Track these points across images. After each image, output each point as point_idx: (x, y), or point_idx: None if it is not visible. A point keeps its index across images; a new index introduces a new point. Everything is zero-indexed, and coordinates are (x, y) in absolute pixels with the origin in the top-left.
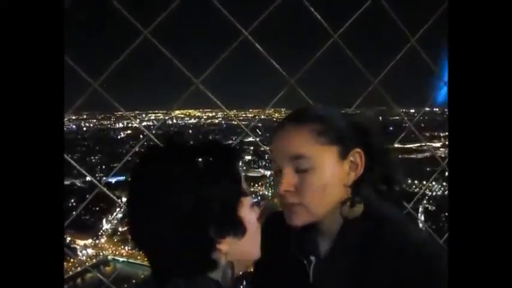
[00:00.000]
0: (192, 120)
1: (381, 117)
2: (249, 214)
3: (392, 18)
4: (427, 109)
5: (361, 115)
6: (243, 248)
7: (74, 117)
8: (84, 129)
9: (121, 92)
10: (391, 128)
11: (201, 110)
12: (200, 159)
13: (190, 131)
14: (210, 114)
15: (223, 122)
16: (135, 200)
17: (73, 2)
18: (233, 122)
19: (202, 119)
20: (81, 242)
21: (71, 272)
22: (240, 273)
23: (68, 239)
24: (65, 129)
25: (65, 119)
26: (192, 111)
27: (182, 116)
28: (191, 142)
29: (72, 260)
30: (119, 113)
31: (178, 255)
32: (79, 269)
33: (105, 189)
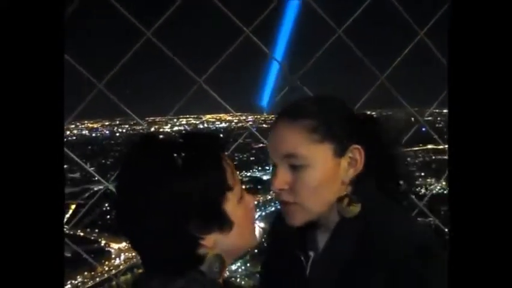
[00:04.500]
0: (223, 124)
1: (413, 118)
2: (236, 208)
3: (399, 11)
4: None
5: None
6: (231, 242)
7: (107, 123)
8: (117, 134)
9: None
10: (423, 129)
11: (231, 114)
12: (179, 153)
13: (221, 135)
14: (242, 118)
15: (253, 125)
16: (119, 196)
17: (76, 3)
18: (264, 125)
19: (233, 123)
20: (115, 246)
21: (106, 275)
22: (233, 260)
23: (103, 242)
24: (98, 135)
25: (99, 125)
26: (222, 116)
27: (213, 120)
28: (172, 136)
29: (106, 263)
30: (151, 118)
31: (161, 251)
32: (113, 271)
33: None
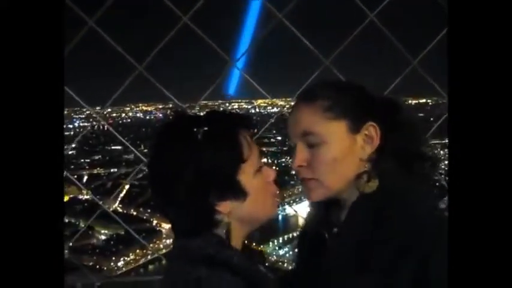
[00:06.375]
0: (275, 109)
1: None
2: (251, 179)
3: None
4: None
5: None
6: (247, 210)
7: (160, 106)
8: (171, 117)
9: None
10: None
11: (283, 99)
12: (199, 128)
13: (273, 120)
14: (293, 103)
15: None
16: (150, 168)
17: None
18: None
19: (285, 108)
20: (166, 226)
21: (156, 254)
22: (251, 230)
23: (155, 222)
24: (152, 118)
25: (152, 108)
26: (275, 100)
27: (265, 105)
28: (197, 114)
29: (157, 242)
30: (203, 102)
31: (182, 216)
32: (164, 251)
33: None
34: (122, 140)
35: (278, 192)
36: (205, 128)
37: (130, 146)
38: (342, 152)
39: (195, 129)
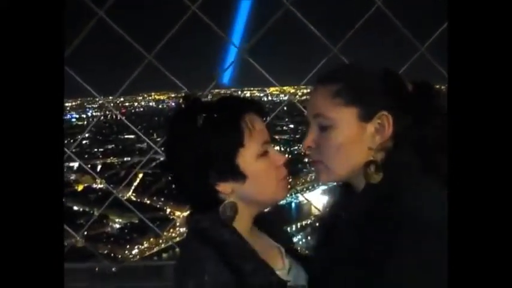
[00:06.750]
0: (286, 97)
1: None
2: (253, 162)
3: None
4: None
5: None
6: (249, 192)
7: (173, 95)
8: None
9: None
10: None
11: (295, 87)
12: (201, 113)
13: (285, 108)
14: (305, 91)
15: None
16: (164, 149)
17: None
18: None
19: (297, 96)
20: (180, 214)
21: (171, 242)
22: (257, 211)
23: (168, 210)
24: (164, 106)
25: (165, 97)
26: (286, 88)
27: (277, 92)
28: (205, 99)
29: (171, 230)
30: (216, 90)
31: (187, 194)
32: (177, 239)
33: None
34: (134, 129)
35: (287, 176)
36: (207, 114)
37: (142, 135)
38: (350, 138)
39: (198, 114)
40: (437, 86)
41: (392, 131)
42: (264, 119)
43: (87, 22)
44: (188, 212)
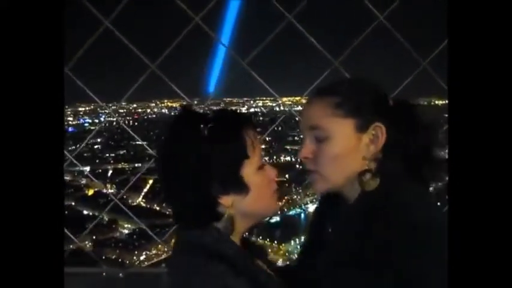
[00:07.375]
0: (299, 108)
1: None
2: (254, 175)
3: None
4: None
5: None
6: (248, 205)
7: (185, 103)
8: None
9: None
10: None
11: (307, 98)
12: (206, 124)
13: (297, 118)
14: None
15: None
16: (159, 160)
17: None
18: None
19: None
20: None
21: None
22: (251, 225)
23: None
24: (172, 113)
25: (177, 105)
26: (299, 98)
27: (289, 103)
28: (204, 111)
29: None
30: (228, 99)
31: (186, 207)
32: None
33: None
34: (136, 137)
35: (277, 189)
36: (212, 124)
37: (142, 141)
38: (346, 149)
39: (201, 125)
40: (415, 103)
41: (385, 141)
42: (257, 130)
43: (97, 28)
44: (177, 227)
